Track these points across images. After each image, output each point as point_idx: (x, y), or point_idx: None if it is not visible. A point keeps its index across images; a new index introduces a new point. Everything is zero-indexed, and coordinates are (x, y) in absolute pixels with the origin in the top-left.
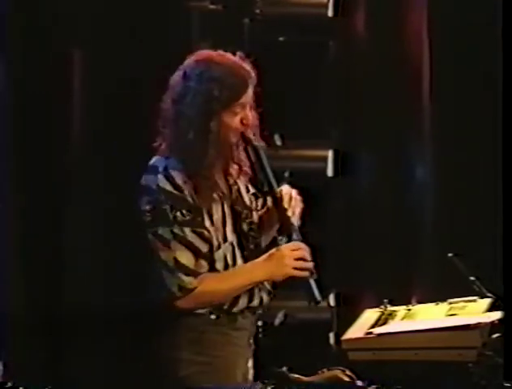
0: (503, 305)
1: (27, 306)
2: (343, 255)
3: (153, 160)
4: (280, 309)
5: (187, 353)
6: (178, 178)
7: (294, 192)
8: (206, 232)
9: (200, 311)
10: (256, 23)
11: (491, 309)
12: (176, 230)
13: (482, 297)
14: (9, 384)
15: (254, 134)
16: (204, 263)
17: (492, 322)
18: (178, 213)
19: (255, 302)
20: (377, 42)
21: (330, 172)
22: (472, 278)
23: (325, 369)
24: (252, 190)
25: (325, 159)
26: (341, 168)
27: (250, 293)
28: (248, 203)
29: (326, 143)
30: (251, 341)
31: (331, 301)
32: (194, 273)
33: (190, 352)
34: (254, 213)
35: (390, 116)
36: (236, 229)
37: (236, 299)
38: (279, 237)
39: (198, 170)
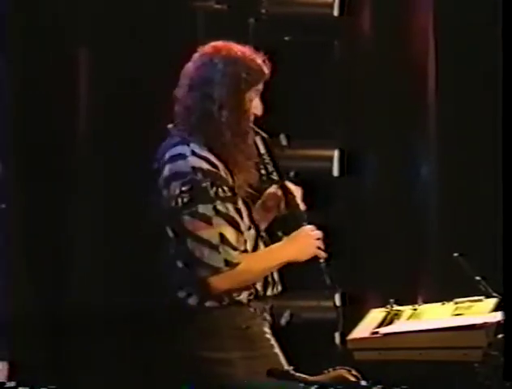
0: (503, 304)
1: (28, 306)
2: (348, 255)
3: (172, 151)
4: (286, 309)
5: (236, 352)
6: (211, 157)
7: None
8: (242, 210)
9: (240, 299)
10: (261, 22)
11: (497, 309)
12: (219, 206)
13: (488, 297)
14: (7, 384)
15: (260, 124)
16: (242, 240)
17: (497, 322)
18: (220, 189)
19: (275, 290)
20: (382, 42)
21: (335, 171)
22: (478, 278)
23: (330, 369)
24: None
25: (330, 158)
26: (347, 168)
27: (273, 280)
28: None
29: (331, 142)
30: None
31: (337, 300)
32: (237, 249)
33: (240, 350)
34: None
35: (394, 116)
36: (251, 215)
37: (266, 283)
38: (279, 233)
39: (229, 149)
